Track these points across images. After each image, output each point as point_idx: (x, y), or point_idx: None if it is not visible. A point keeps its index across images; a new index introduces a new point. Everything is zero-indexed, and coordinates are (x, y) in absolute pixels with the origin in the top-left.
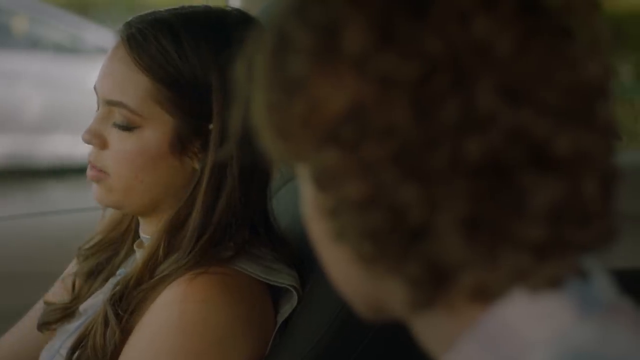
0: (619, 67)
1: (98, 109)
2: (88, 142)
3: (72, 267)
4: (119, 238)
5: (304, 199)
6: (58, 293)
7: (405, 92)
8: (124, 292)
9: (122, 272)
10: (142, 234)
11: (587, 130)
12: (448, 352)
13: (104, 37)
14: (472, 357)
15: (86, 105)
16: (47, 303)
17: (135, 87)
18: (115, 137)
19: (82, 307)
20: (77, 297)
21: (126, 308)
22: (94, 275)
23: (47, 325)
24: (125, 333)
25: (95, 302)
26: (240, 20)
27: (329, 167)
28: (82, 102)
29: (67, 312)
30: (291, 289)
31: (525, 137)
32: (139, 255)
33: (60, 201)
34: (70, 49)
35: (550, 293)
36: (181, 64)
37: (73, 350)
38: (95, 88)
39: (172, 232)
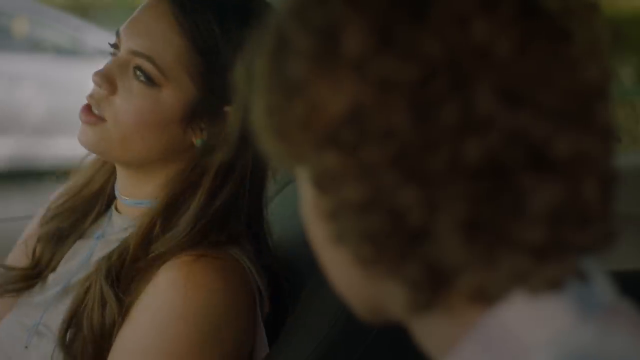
0: (619, 69)
1: (113, 51)
2: (98, 84)
3: (34, 228)
4: (90, 198)
5: (303, 201)
6: (18, 257)
7: (404, 94)
8: (120, 270)
9: (100, 234)
10: (121, 196)
11: (586, 132)
12: (448, 354)
13: (104, 39)
14: (470, 359)
15: None
16: (6, 267)
17: (169, 46)
18: (131, 89)
19: (52, 277)
20: (40, 262)
21: (124, 289)
22: (58, 238)
23: (8, 291)
24: (123, 315)
25: (69, 269)
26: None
27: (329, 170)
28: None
29: (30, 278)
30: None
31: (524, 139)
32: (119, 220)
33: None
34: (71, 51)
35: (549, 295)
36: (221, 39)
37: (65, 330)
38: (119, 32)
39: (170, 210)
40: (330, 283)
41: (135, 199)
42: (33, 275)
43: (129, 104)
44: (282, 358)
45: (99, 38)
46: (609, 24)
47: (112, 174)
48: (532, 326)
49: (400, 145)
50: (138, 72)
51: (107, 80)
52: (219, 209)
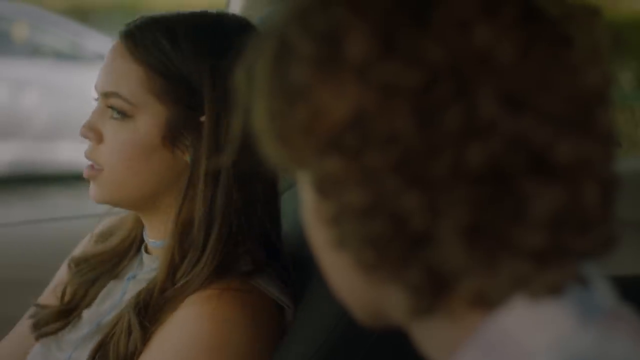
0: (620, 74)
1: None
2: (85, 136)
3: (62, 274)
4: (124, 246)
5: (305, 206)
6: (49, 301)
7: (407, 100)
8: (148, 301)
9: (132, 275)
10: (149, 240)
11: (587, 137)
12: (448, 359)
13: (104, 44)
14: None
15: (87, 112)
16: (39, 306)
17: (129, 76)
18: (111, 130)
19: (86, 315)
20: (71, 301)
21: (151, 318)
22: (92, 282)
23: (41, 328)
24: (145, 341)
25: (103, 310)
26: (235, 24)
27: (331, 175)
28: (83, 109)
29: (62, 316)
30: (287, 308)
31: (526, 144)
32: (148, 261)
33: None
34: (71, 56)
35: (550, 300)
36: (175, 55)
37: (92, 358)
38: (95, 85)
39: (183, 232)
40: (330, 288)
41: (161, 239)
42: (66, 314)
43: (114, 144)
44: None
45: (99, 43)
46: (608, 28)
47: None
48: (533, 331)
49: (403, 150)
50: (111, 112)
51: (92, 130)
52: (222, 217)
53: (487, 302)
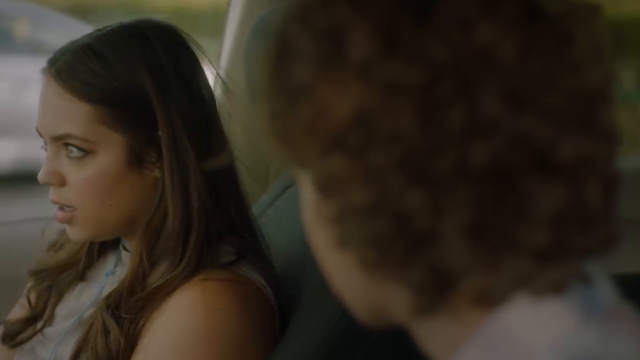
0: (621, 72)
1: (45, 147)
2: (47, 182)
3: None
4: (80, 257)
5: (305, 206)
6: (18, 312)
7: (410, 98)
8: (119, 302)
9: (110, 271)
10: (126, 243)
11: (589, 135)
12: (451, 357)
13: None
14: None
15: None
16: (6, 321)
17: (77, 115)
18: (72, 169)
19: (61, 311)
20: (37, 305)
21: (126, 315)
22: (54, 287)
23: (11, 340)
24: (130, 341)
25: (81, 304)
26: (155, 26)
27: (334, 174)
28: None
29: (31, 323)
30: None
31: (528, 142)
32: (126, 257)
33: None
34: None
35: (553, 298)
36: (112, 78)
37: None
38: (37, 130)
39: (151, 242)
40: (331, 287)
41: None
42: (34, 320)
43: (80, 182)
44: (285, 357)
45: None
46: (610, 27)
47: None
48: (535, 329)
49: (406, 148)
50: (69, 154)
51: (52, 174)
52: (200, 225)
53: (490, 300)
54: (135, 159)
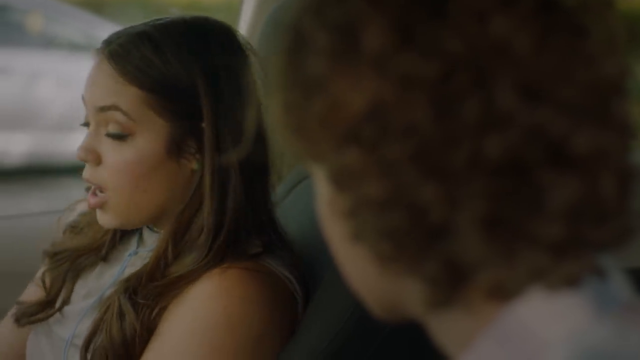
0: (635, 66)
1: (85, 121)
2: (83, 159)
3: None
4: (102, 242)
5: (320, 199)
6: (32, 294)
7: (425, 91)
8: (137, 286)
9: (133, 252)
10: (152, 227)
11: (604, 128)
12: (464, 350)
13: None
14: (488, 356)
15: None
16: (20, 302)
17: (125, 96)
18: (110, 149)
19: (81, 290)
20: (52, 288)
21: (144, 301)
22: (71, 270)
23: (25, 319)
24: (146, 327)
25: (103, 283)
26: (215, 26)
27: (349, 167)
28: None
29: (47, 306)
30: (296, 293)
31: (543, 135)
32: (150, 239)
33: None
34: (85, 47)
35: (567, 292)
36: (165, 68)
37: (87, 345)
38: (83, 99)
39: (179, 234)
40: (345, 280)
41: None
42: (50, 304)
43: (116, 165)
44: (298, 352)
45: None
46: (624, 20)
47: None
48: (549, 322)
49: (421, 141)
50: (110, 130)
51: (89, 152)
52: (231, 223)
53: (504, 294)
54: (175, 147)
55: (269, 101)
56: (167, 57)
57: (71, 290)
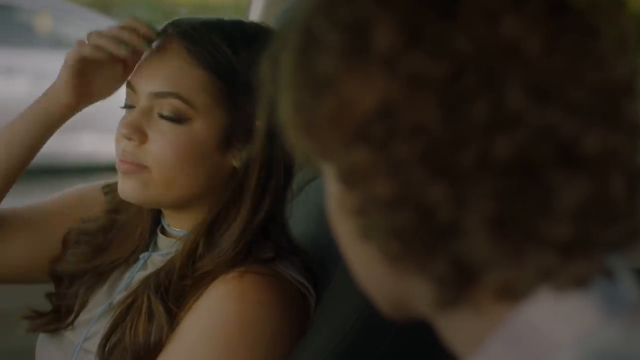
0: None
1: (128, 103)
2: (128, 137)
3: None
4: (125, 243)
5: (329, 198)
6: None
7: (434, 91)
8: (168, 286)
9: (147, 255)
10: (169, 227)
11: (614, 129)
12: (473, 351)
13: None
14: (497, 357)
15: (108, 104)
16: (34, 312)
17: (190, 78)
18: (160, 129)
19: (93, 297)
20: (63, 306)
21: (175, 302)
22: (86, 280)
23: (37, 330)
24: (173, 329)
25: (113, 288)
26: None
27: (358, 166)
28: (105, 101)
29: (59, 321)
30: (310, 296)
31: (553, 136)
32: (164, 243)
33: None
34: None
35: (575, 292)
36: (235, 59)
37: (105, 342)
38: (131, 84)
39: (212, 229)
40: (354, 279)
41: (184, 229)
42: (63, 318)
43: (165, 145)
44: (307, 353)
45: None
46: (634, 21)
47: (150, 213)
48: (558, 324)
49: (430, 141)
50: (165, 113)
51: (136, 130)
52: (261, 223)
53: (512, 294)
54: (226, 141)
55: (279, 101)
56: (237, 49)
57: (86, 302)
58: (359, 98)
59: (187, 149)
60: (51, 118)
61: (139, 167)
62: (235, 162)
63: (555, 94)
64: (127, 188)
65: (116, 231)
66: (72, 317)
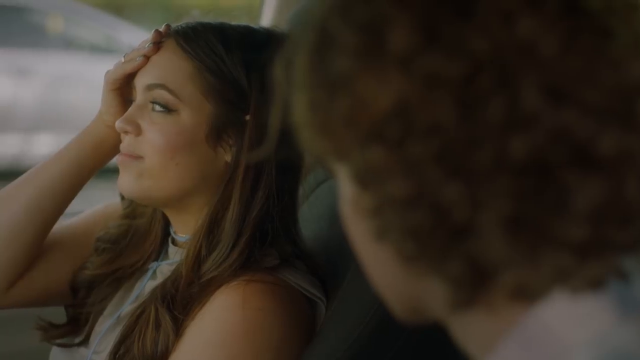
0: None
1: (131, 100)
2: (122, 130)
3: (95, 217)
4: (142, 248)
5: (343, 199)
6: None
7: (450, 91)
8: (174, 294)
9: (156, 265)
10: (177, 235)
11: (629, 131)
12: (487, 353)
13: (138, 37)
14: (512, 358)
15: None
16: (48, 324)
17: (178, 70)
18: (151, 122)
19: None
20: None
21: (181, 310)
22: (105, 288)
23: (52, 341)
24: (178, 337)
25: (124, 299)
26: (281, 38)
27: (373, 165)
28: None
29: (73, 331)
30: (320, 301)
31: (568, 136)
32: (173, 252)
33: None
34: (105, 49)
35: (590, 294)
36: (227, 59)
37: (115, 352)
38: (134, 84)
39: (211, 229)
40: (367, 281)
41: (187, 233)
42: (77, 328)
43: (156, 134)
44: (317, 355)
45: (134, 36)
46: None
47: (161, 220)
48: (572, 325)
49: (446, 141)
50: (155, 104)
51: (130, 123)
52: (255, 219)
53: (527, 296)
54: (215, 133)
55: (292, 101)
56: (231, 50)
57: (100, 313)
58: (375, 98)
59: (176, 138)
60: (99, 141)
61: (134, 158)
62: (227, 157)
63: (570, 94)
64: (123, 181)
65: (132, 236)
66: (86, 328)
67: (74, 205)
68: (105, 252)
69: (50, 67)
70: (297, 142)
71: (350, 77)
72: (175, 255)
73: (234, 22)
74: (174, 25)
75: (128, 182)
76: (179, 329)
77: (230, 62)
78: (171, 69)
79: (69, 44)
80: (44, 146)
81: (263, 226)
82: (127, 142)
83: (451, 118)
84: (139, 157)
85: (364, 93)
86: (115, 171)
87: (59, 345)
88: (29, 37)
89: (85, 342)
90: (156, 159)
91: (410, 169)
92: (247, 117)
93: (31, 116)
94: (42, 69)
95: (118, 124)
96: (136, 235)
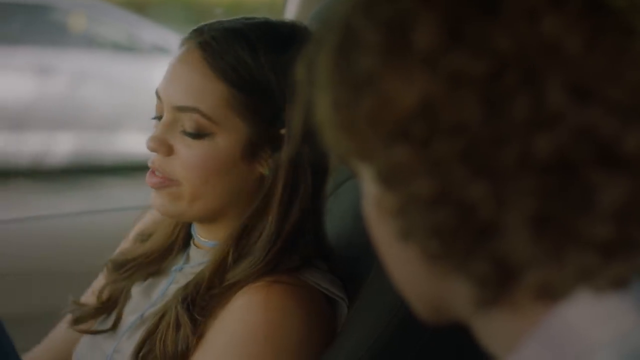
0: None
1: (157, 114)
2: (154, 150)
3: (101, 279)
4: (163, 250)
5: (366, 199)
6: (88, 301)
7: (475, 89)
8: (195, 296)
9: (179, 267)
10: (200, 238)
11: None
12: (510, 352)
13: (161, 36)
14: (533, 357)
15: (144, 103)
16: (77, 303)
17: (210, 93)
18: (185, 145)
19: (128, 307)
20: (110, 299)
21: (200, 312)
22: (129, 282)
23: (79, 324)
24: (198, 337)
25: (146, 301)
26: (307, 33)
27: (397, 165)
28: (140, 100)
29: (101, 313)
30: (341, 301)
31: (593, 135)
32: (196, 255)
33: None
34: (128, 47)
35: (613, 294)
36: (257, 71)
37: (137, 352)
38: (158, 93)
39: (242, 239)
40: (390, 280)
41: (213, 239)
42: (105, 311)
43: (190, 158)
44: (340, 354)
45: (155, 34)
46: None
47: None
48: (595, 325)
49: (471, 139)
50: (187, 128)
51: (161, 143)
52: (290, 230)
53: (551, 295)
54: (250, 151)
55: (316, 100)
56: (260, 59)
57: (122, 309)
58: (400, 96)
59: (212, 163)
60: None
61: (168, 181)
62: (263, 170)
63: (594, 93)
64: (159, 202)
65: (149, 253)
66: (113, 319)
67: (98, 203)
68: (123, 272)
69: (72, 65)
70: (321, 143)
71: (375, 76)
72: (198, 258)
73: (251, 19)
74: (196, 31)
75: (163, 204)
76: (197, 329)
77: (260, 75)
78: (202, 91)
79: (90, 42)
80: (66, 144)
81: (295, 239)
82: (157, 162)
83: (476, 117)
84: (173, 181)
85: (388, 92)
86: (132, 169)
87: (88, 332)
88: (51, 35)
89: (114, 328)
90: (192, 185)
91: (435, 168)
92: (283, 131)
93: (53, 114)
94: (64, 67)
95: (149, 144)
96: (154, 251)
